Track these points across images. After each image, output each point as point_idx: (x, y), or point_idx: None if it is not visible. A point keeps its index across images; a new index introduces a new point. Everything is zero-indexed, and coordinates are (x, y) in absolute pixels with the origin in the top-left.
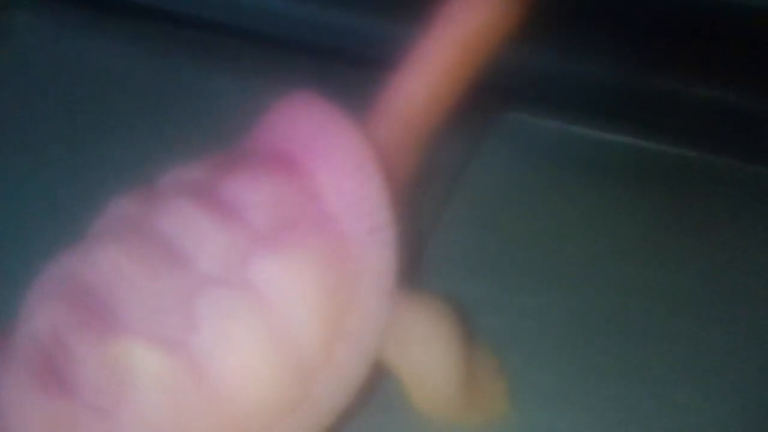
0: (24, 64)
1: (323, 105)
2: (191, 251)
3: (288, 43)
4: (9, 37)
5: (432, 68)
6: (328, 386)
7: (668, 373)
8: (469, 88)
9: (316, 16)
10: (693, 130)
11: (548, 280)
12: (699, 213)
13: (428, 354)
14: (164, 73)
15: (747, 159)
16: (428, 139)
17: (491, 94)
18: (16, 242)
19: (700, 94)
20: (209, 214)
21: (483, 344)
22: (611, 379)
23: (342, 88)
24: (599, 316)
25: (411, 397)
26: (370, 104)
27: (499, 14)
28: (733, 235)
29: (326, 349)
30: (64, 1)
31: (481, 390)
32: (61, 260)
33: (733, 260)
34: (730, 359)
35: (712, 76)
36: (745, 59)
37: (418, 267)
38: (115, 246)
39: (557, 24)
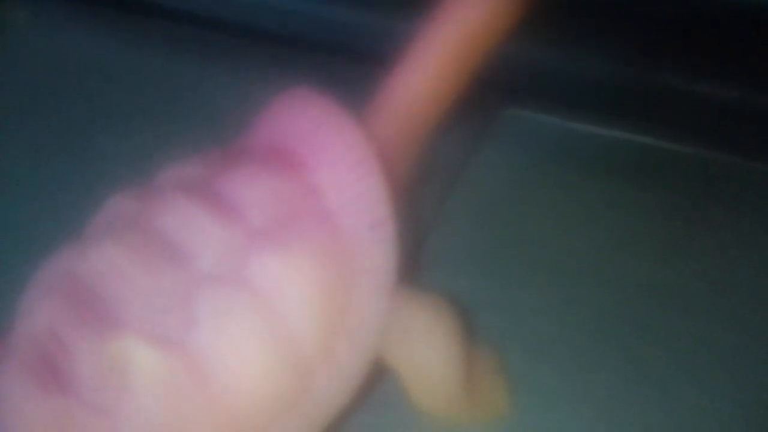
0: (22, 61)
1: (322, 101)
2: (189, 248)
3: (287, 39)
4: (7, 33)
5: (432, 64)
6: (327, 383)
7: (669, 370)
8: (468, 84)
9: (314, 11)
10: (693, 127)
11: (548, 277)
12: (700, 209)
13: (428, 351)
14: (163, 69)
15: (748, 156)
16: (428, 135)
17: (491, 91)
18: (13, 239)
19: (701, 90)
20: (207, 210)
21: (483, 341)
22: (611, 377)
23: (341, 83)
24: (600, 313)
25: (410, 395)
26: (370, 100)
27: (498, 10)
28: (734, 232)
29: (325, 346)
30: None
31: (481, 387)
32: (59, 257)
33: (734, 256)
34: (732, 356)
35: (713, 73)
36: (747, 56)
37: (418, 263)
38: (113, 243)
39: (557, 20)
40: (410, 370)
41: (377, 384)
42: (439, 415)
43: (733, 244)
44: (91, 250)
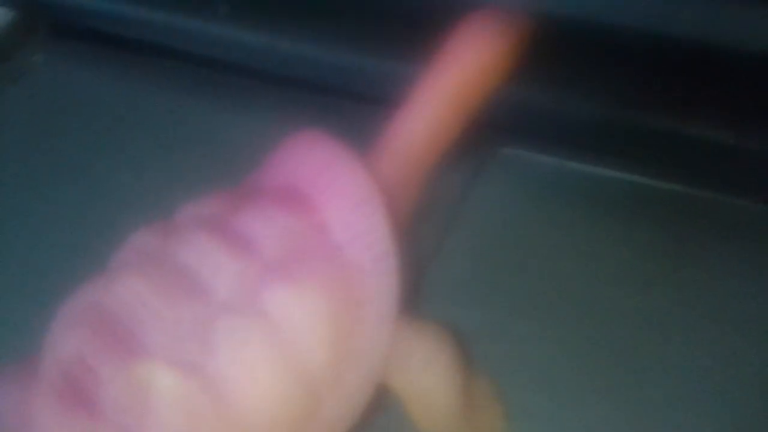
0: (38, 101)
1: (329, 142)
2: (208, 281)
3: (296, 82)
4: (25, 76)
5: (433, 106)
6: (334, 407)
7: (660, 396)
8: (468, 125)
9: (322, 55)
10: (680, 166)
11: (543, 308)
12: (687, 243)
13: (429, 377)
14: (176, 110)
15: (732, 193)
16: (429, 173)
17: (489, 131)
18: (35, 273)
19: (688, 131)
20: (224, 246)
21: (481, 368)
22: (605, 403)
23: (347, 124)
24: (593, 342)
25: (412, 420)
26: (374, 140)
27: (497, 55)
28: (719, 264)
29: (333, 371)
30: (77, 41)
31: (480, 412)
32: (85, 290)
33: (719, 287)
34: (722, 384)
35: (700, 115)
36: (732, 98)
37: (419, 294)
38: (136, 276)
39: (551, 64)
40: (412, 396)
41: (381, 409)
42: None
43: (719, 275)
44: (116, 283)
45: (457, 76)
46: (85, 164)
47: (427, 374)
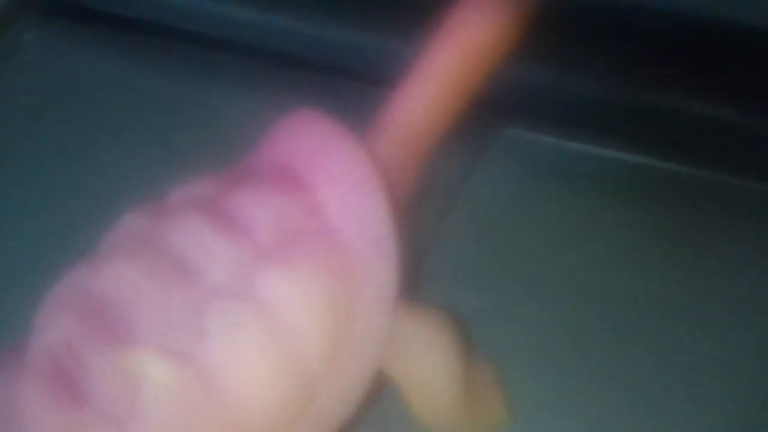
0: (31, 81)
1: (326, 121)
2: (200, 265)
3: (292, 60)
4: (16, 55)
5: (432, 85)
6: (331, 395)
7: (663, 382)
8: (468, 104)
9: (318, 33)
10: (684, 146)
11: (545, 292)
12: (691, 225)
13: (428, 364)
14: (169, 89)
15: (738, 174)
16: (428, 154)
17: (489, 111)
18: (26, 256)
19: (692, 110)
20: (217, 228)
21: (481, 354)
22: (608, 389)
23: (344, 104)
24: (595, 327)
25: (412, 407)
26: (372, 120)
27: (497, 33)
28: (723, 246)
29: (330, 358)
30: (69, 19)
31: (480, 400)
32: (73, 274)
33: (723, 270)
34: (725, 369)
35: (704, 94)
36: (737, 76)
37: (418, 279)
38: (126, 260)
39: (553, 42)
40: (411, 383)
41: (379, 396)
42: (439, 427)
43: (723, 258)
44: (105, 267)
45: (457, 54)
46: (77, 144)
47: (427, 361)
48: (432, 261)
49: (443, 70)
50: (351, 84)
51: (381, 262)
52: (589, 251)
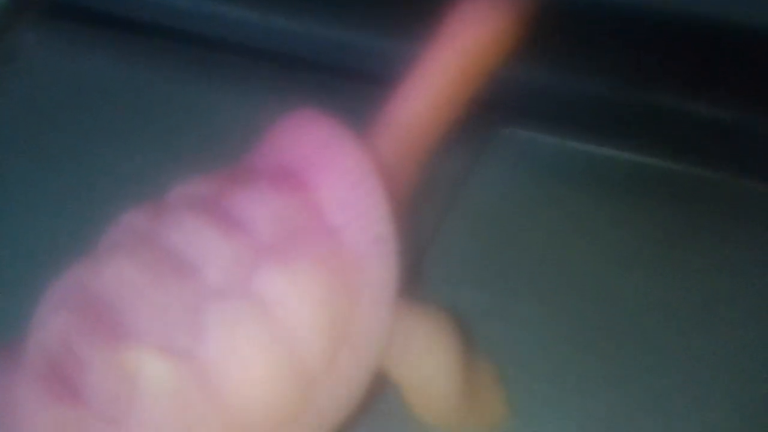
0: (30, 81)
1: (326, 120)
2: (198, 263)
3: (292, 61)
4: (17, 56)
5: (432, 85)
6: (330, 393)
7: (664, 380)
8: (468, 104)
9: (318, 33)
10: (684, 145)
11: (545, 291)
12: (691, 225)
13: (428, 363)
14: (170, 90)
15: (737, 174)
16: (428, 153)
17: (490, 110)
18: (26, 256)
19: (692, 110)
20: (216, 227)
21: (482, 353)
22: (608, 388)
23: (344, 103)
24: (596, 326)
25: (411, 405)
26: (372, 119)
27: (497, 33)
28: (722, 246)
29: (329, 357)
30: (70, 20)
31: (481, 398)
32: (71, 272)
33: (725, 271)
34: (725, 369)
35: (703, 93)
36: (736, 76)
37: (419, 277)
38: (125, 258)
39: (553, 42)
40: (411, 381)
41: (379, 394)
42: (440, 425)
43: (724, 258)
44: (104, 265)
45: (457, 54)
46: (77, 145)
47: (427, 360)
48: (432, 259)
49: (443, 70)
50: (351, 83)
51: (381, 261)
52: (589, 251)
